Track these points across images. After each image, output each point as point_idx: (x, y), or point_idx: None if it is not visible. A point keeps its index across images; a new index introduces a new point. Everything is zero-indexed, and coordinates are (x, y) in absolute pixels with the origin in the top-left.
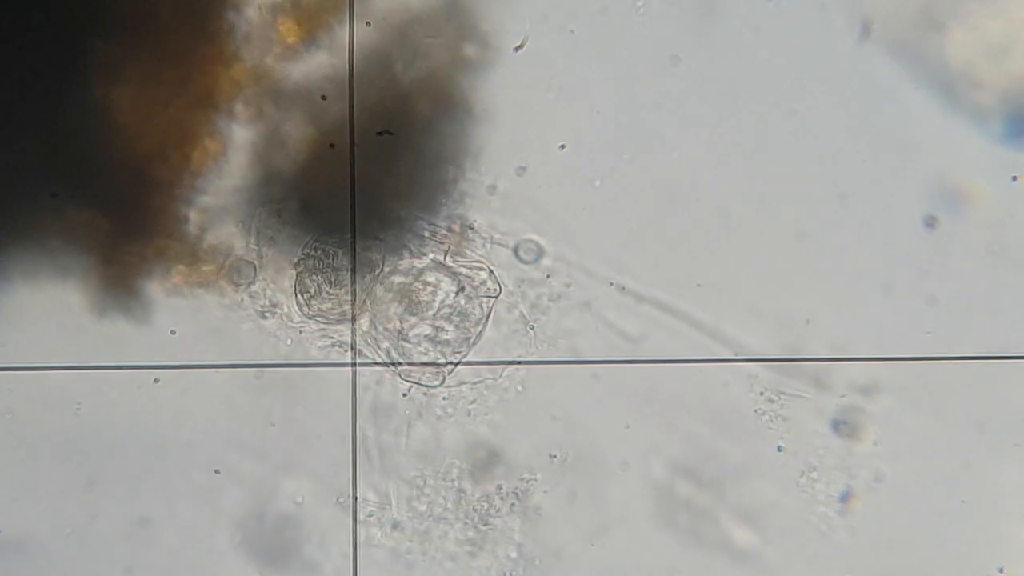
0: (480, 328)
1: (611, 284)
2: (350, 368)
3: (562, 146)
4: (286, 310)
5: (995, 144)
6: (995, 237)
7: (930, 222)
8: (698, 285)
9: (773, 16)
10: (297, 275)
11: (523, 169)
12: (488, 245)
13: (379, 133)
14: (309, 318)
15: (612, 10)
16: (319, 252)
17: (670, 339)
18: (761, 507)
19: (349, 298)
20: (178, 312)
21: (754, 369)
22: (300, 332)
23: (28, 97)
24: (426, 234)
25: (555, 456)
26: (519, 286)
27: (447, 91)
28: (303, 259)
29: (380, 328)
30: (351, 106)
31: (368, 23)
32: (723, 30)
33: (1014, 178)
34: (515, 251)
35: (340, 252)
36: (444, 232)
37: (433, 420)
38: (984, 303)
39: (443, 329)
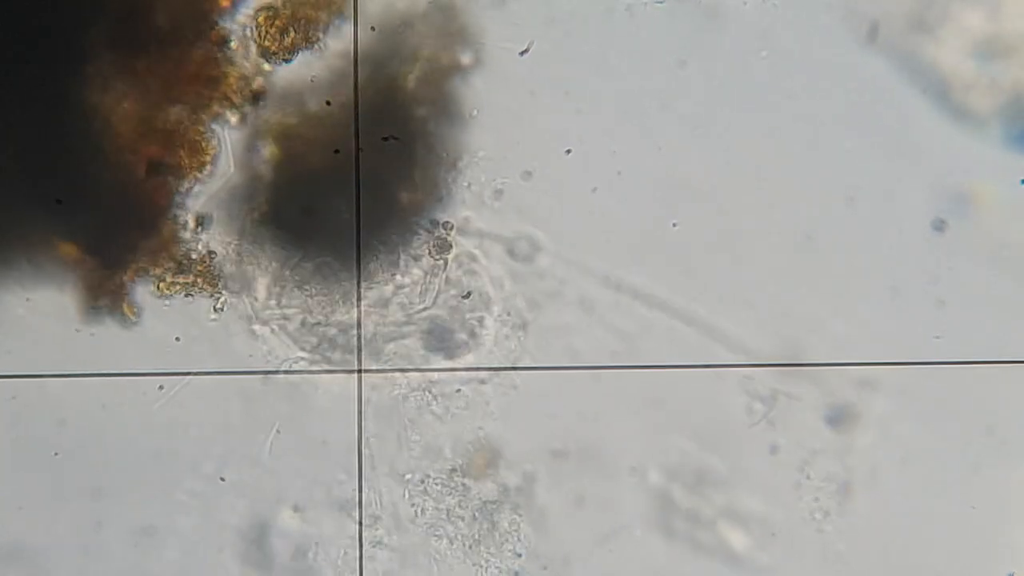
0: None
1: None
2: (355, 374)
3: (568, 150)
4: (292, 316)
5: (1003, 147)
6: (1003, 240)
7: (938, 225)
8: (704, 288)
9: (779, 19)
10: (303, 281)
11: (529, 173)
12: (492, 246)
13: (385, 138)
14: (314, 323)
15: (618, 14)
16: (323, 258)
17: (676, 344)
18: (767, 513)
19: (355, 303)
20: (182, 319)
21: (761, 373)
22: (306, 338)
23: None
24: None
25: (559, 458)
26: (520, 287)
27: (453, 96)
28: (309, 265)
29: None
30: (356, 112)
31: (373, 28)
32: (729, 33)
33: (1022, 181)
34: (515, 253)
35: (343, 258)
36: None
37: (435, 424)
38: (993, 306)
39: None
